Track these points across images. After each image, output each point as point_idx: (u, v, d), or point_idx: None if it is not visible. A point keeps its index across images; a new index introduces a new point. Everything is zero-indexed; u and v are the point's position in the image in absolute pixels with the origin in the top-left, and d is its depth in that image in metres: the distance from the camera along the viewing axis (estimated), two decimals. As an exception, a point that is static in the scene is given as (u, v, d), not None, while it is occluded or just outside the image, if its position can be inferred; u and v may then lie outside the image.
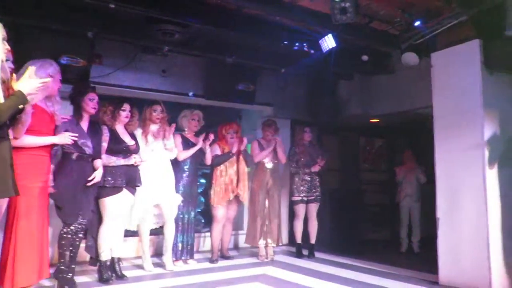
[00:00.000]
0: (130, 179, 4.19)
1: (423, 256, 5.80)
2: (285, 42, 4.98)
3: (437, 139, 4.46)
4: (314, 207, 5.77)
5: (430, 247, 4.50)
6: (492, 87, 4.15)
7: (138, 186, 4.29)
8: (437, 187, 4.43)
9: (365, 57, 5.19)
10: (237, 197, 5.28)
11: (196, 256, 5.25)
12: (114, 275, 4.12)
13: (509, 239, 4.04)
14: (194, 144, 5.01)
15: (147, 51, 5.33)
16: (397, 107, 6.22)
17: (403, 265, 5.22)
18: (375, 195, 7.69)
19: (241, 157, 5.34)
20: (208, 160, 5.17)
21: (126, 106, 4.25)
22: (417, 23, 4.16)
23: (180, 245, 4.92)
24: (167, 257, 4.70)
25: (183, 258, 4.96)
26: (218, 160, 5.22)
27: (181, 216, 4.91)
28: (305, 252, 5.73)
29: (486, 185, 3.99)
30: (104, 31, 4.61)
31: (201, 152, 5.08)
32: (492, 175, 4.04)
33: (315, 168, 5.66)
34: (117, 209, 4.09)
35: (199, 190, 5.85)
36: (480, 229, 3.99)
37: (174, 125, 4.76)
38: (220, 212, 5.20)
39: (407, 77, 5.60)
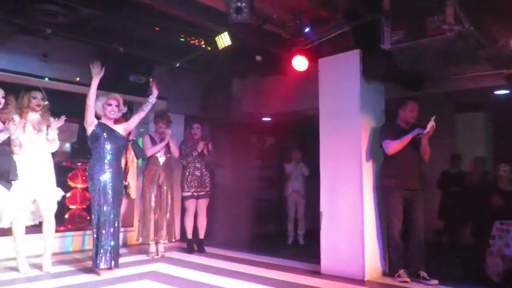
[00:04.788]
0: (2, 172, 3.78)
1: (307, 248, 6.17)
2: (181, 39, 4.92)
3: (322, 138, 4.78)
4: (204, 203, 5.79)
5: (314, 239, 4.82)
6: (368, 93, 4.60)
7: (14, 180, 3.89)
8: (321, 183, 4.74)
9: (258, 57, 5.37)
10: (126, 192, 5.08)
11: (77, 255, 4.92)
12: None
13: (380, 229, 4.52)
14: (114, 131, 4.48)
15: (25, 31, 4.80)
16: (287, 107, 6.56)
17: (289, 256, 5.49)
18: (264, 191, 7.99)
19: (129, 151, 5.14)
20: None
21: (-3, 92, 3.78)
22: (306, 30, 4.43)
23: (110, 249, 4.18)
24: (46, 257, 4.32)
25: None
26: None
27: (111, 215, 4.18)
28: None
29: (363, 180, 4.41)
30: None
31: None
32: (367, 170, 4.48)
33: (200, 148, 5.60)
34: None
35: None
36: (357, 222, 4.38)
37: (63, 117, 4.33)
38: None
39: (297, 80, 5.92)
